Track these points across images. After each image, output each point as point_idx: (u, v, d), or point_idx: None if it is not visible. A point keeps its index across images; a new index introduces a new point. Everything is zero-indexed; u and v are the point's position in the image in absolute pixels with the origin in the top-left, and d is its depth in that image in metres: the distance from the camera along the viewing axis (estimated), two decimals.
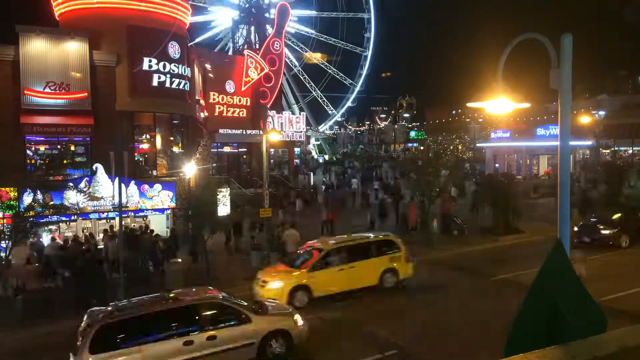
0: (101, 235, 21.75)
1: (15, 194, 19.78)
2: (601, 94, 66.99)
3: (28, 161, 23.80)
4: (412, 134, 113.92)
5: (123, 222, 17.79)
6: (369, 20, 72.15)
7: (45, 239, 20.64)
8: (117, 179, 19.36)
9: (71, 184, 21.60)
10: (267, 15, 59.43)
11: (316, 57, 74.05)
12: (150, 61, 25.31)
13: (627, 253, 20.52)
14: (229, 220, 22.13)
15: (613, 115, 54.89)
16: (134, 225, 23.06)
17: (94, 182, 22.00)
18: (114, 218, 22.38)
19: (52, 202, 19.97)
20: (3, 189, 19.60)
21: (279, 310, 13.12)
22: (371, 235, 18.97)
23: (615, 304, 13.44)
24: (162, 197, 23.58)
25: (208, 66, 36.83)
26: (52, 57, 23.17)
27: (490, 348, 10.66)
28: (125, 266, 16.72)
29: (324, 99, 76.12)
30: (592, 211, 24.97)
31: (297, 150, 63.54)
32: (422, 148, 76.28)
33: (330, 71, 74.19)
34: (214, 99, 38.29)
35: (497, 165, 43.93)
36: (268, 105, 44.39)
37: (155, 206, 23.56)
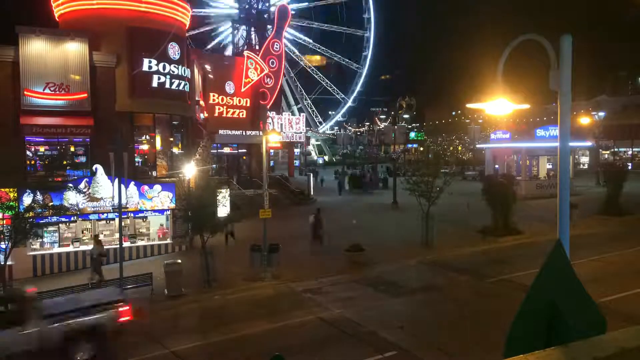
0: None
1: (15, 194, 19.79)
2: (601, 95, 67.03)
3: (28, 162, 23.80)
4: (412, 134, 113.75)
5: None
6: (369, 21, 72.41)
7: None
8: (116, 180, 19.38)
9: (71, 185, 21.58)
10: (267, 16, 59.48)
11: (316, 59, 74.21)
12: (150, 62, 25.30)
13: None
14: None
15: (612, 117, 54.95)
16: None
17: (94, 182, 21.99)
18: (113, 219, 22.40)
19: (51, 203, 19.95)
20: (3, 189, 19.60)
21: None
22: None
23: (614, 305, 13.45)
24: (161, 198, 23.57)
25: (208, 67, 36.78)
26: (52, 57, 23.16)
27: (490, 348, 10.67)
28: None
29: (324, 99, 76.27)
30: None
31: (296, 151, 63.58)
32: (421, 149, 76.28)
33: (328, 75, 74.38)
34: (213, 100, 38.27)
35: (496, 166, 43.85)
36: (268, 106, 44.29)
37: (155, 207, 23.55)
